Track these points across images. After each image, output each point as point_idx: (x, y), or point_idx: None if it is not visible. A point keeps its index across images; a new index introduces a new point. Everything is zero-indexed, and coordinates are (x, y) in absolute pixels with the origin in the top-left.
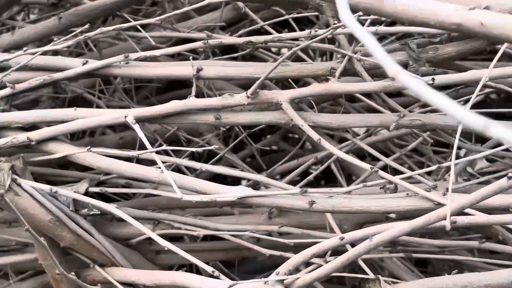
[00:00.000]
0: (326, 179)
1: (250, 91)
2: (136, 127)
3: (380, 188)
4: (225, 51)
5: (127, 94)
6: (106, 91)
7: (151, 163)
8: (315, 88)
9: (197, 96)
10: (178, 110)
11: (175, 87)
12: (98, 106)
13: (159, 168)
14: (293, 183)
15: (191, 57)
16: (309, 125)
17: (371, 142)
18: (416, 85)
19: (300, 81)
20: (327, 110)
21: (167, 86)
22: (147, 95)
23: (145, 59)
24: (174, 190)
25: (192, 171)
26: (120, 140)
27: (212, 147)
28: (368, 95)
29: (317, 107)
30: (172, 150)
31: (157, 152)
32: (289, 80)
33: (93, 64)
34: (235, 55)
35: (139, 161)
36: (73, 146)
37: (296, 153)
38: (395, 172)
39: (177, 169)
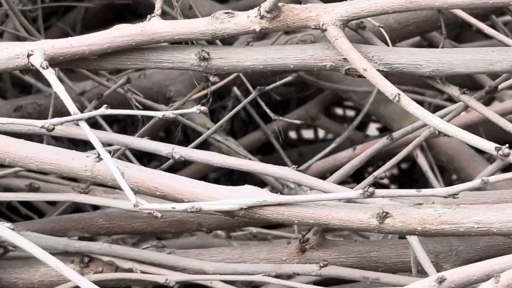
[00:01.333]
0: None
1: (266, 5)
2: (49, 74)
3: None
4: None
5: (31, 25)
6: None
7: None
8: None
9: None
10: (129, 41)
11: (120, 15)
12: None
13: (95, 154)
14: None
15: None
16: (378, 70)
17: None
18: None
19: None
20: None
21: (105, 12)
22: (65, 29)
23: None
24: (124, 197)
25: (153, 165)
26: (15, 113)
27: (192, 110)
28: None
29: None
30: (116, 121)
31: (90, 125)
32: None
33: None
34: None
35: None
36: None
37: (350, 138)
38: None
39: (127, 159)
